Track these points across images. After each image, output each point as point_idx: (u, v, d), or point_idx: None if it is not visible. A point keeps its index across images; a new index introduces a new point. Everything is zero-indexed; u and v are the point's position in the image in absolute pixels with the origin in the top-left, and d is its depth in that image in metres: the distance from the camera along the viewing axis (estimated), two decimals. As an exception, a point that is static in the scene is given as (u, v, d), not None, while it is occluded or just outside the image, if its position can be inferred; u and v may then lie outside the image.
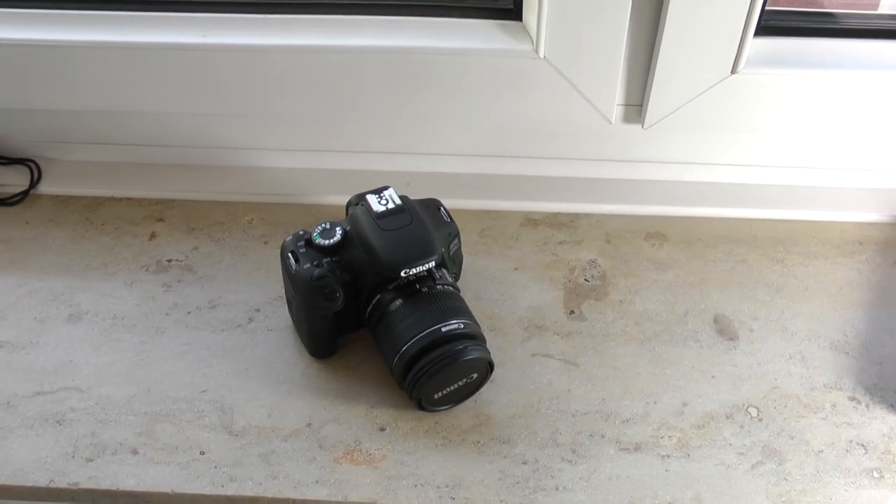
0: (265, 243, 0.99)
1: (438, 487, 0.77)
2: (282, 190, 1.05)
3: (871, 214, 1.03)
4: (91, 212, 1.04)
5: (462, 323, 0.78)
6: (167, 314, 0.92)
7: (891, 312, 0.92)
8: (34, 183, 1.07)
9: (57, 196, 1.06)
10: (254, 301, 0.93)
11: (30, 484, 0.78)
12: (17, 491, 0.78)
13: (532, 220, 1.02)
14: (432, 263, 0.80)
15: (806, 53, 0.94)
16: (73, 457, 0.79)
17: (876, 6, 1.04)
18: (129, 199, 1.06)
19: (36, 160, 1.09)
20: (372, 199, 0.83)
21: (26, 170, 1.08)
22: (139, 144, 1.08)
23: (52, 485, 0.78)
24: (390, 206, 0.82)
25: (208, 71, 0.96)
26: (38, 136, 1.09)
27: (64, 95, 1.00)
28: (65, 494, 0.78)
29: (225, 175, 1.08)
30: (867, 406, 0.84)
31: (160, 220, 1.03)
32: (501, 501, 0.76)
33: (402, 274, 0.79)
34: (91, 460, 0.79)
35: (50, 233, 1.01)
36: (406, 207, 0.82)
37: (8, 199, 1.05)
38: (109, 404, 0.84)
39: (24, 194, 1.06)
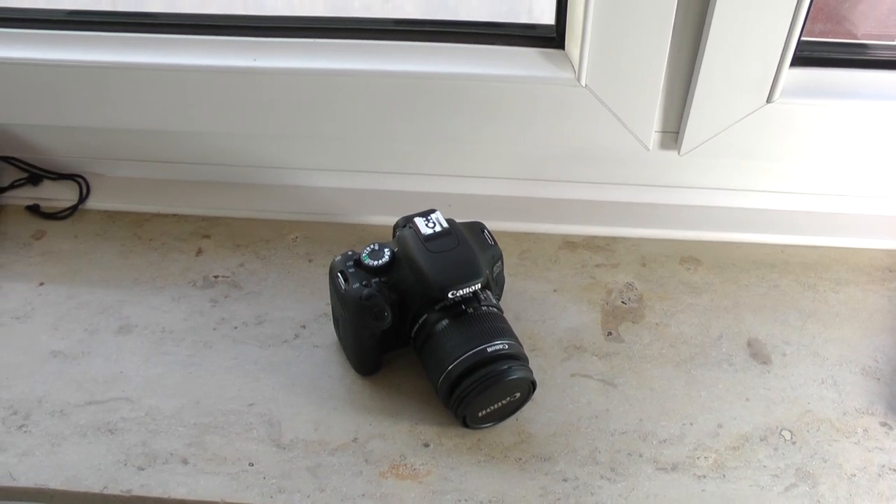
0: (310, 261, 1.02)
1: (481, 503, 0.79)
2: (326, 209, 1.08)
3: (901, 242, 1.05)
4: (138, 227, 1.06)
5: (506, 343, 0.80)
6: (215, 329, 0.94)
7: (921, 340, 0.94)
8: (83, 198, 1.10)
9: (105, 211, 1.09)
10: (300, 318, 0.95)
11: (84, 490, 0.80)
12: (71, 496, 0.80)
13: (570, 243, 1.04)
14: (478, 285, 0.82)
15: (840, 84, 0.96)
16: (126, 465, 0.82)
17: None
18: (175, 215, 1.08)
19: (85, 176, 1.12)
20: (420, 222, 0.85)
21: (75, 185, 1.11)
22: (186, 162, 1.11)
23: (105, 491, 0.80)
24: (437, 228, 0.84)
25: (257, 93, 0.99)
26: (86, 152, 1.11)
27: (112, 115, 1.03)
28: (118, 501, 0.80)
29: (270, 193, 1.10)
30: (898, 431, 0.85)
31: (206, 236, 1.05)
32: (543, 517, 0.78)
33: (450, 295, 0.81)
34: (143, 469, 0.81)
35: (98, 247, 1.04)
36: (453, 230, 0.85)
37: (58, 213, 1.08)
38: (159, 415, 0.86)
39: (74, 209, 1.08)
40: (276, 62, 0.97)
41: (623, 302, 0.97)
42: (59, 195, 1.10)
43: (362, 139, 1.05)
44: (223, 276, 1.00)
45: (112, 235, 1.05)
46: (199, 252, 1.03)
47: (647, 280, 1.00)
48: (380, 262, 0.83)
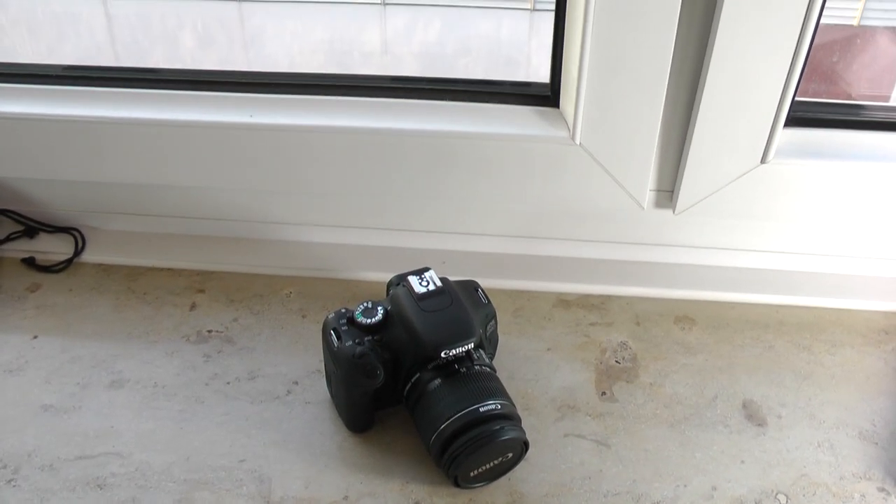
0: (303, 317, 1.01)
1: (472, 564, 0.78)
2: (320, 265, 1.08)
3: (897, 304, 1.05)
4: (132, 281, 1.06)
5: (499, 404, 0.80)
6: (207, 384, 0.94)
7: (917, 402, 0.94)
8: (78, 251, 1.10)
9: (100, 264, 1.09)
10: (292, 374, 0.95)
11: (71, 548, 0.79)
12: (59, 554, 0.80)
13: (564, 301, 1.04)
14: (471, 345, 0.82)
15: (834, 145, 0.96)
16: (114, 522, 0.81)
17: (887, 98, 1.06)
18: (170, 269, 1.08)
19: (80, 229, 1.12)
20: (413, 281, 0.85)
21: (71, 238, 1.11)
22: (181, 216, 1.11)
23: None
24: (431, 287, 0.84)
25: (253, 148, 0.99)
26: (82, 206, 1.12)
27: (108, 169, 1.03)
28: (105, 559, 0.80)
29: (264, 248, 1.10)
30: None
31: (200, 290, 1.05)
32: (534, 580, 0.77)
33: (442, 354, 0.81)
34: (129, 519, 0.81)
35: (93, 300, 1.04)
36: (446, 289, 0.85)
37: (53, 266, 1.08)
38: (150, 470, 0.85)
39: (69, 262, 1.09)
40: (272, 118, 0.97)
41: (617, 361, 0.97)
42: (54, 248, 1.10)
43: (357, 195, 1.05)
44: (216, 331, 1.00)
45: (106, 289, 1.05)
46: (193, 307, 1.03)
47: (642, 339, 1.00)
48: (373, 320, 0.83)
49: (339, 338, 0.83)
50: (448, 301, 0.83)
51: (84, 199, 1.11)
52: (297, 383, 0.94)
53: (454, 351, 0.81)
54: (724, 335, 1.00)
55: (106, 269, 1.08)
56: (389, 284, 0.89)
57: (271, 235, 1.11)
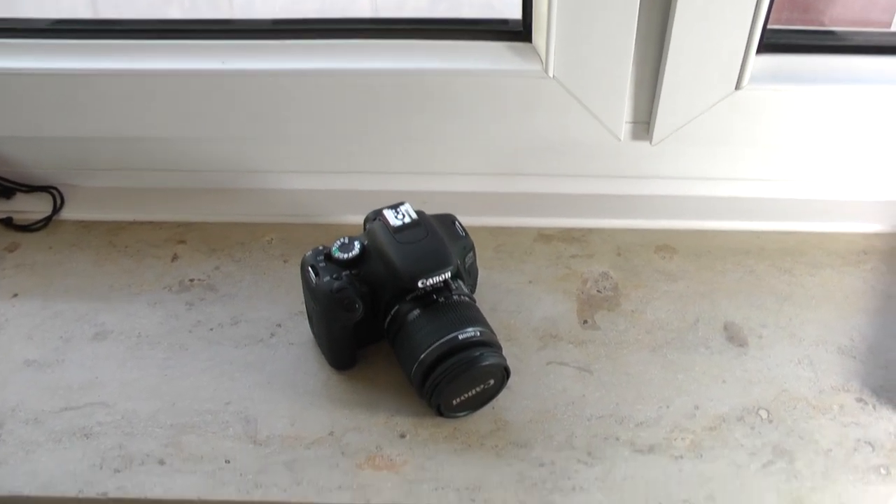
0: (285, 262, 1.02)
1: (458, 490, 0.79)
2: (300, 211, 1.08)
3: (876, 225, 1.05)
4: (113, 236, 1.06)
5: (478, 331, 0.80)
6: (190, 331, 0.94)
7: (895, 318, 0.94)
8: (57, 209, 1.10)
9: (80, 221, 1.09)
10: (275, 317, 0.95)
11: (59, 495, 0.79)
12: (46, 502, 0.80)
13: (545, 236, 1.04)
14: (448, 274, 0.82)
15: (807, 69, 0.96)
16: (101, 468, 0.81)
17: (889, 24, 1.06)
18: (150, 222, 1.08)
19: (58, 187, 1.12)
20: (389, 214, 0.85)
21: (49, 197, 1.11)
22: (159, 170, 1.11)
23: (80, 495, 0.79)
24: (406, 220, 0.84)
25: (227, 96, 0.99)
26: (59, 163, 1.11)
27: (84, 123, 1.03)
28: (94, 504, 0.80)
29: (244, 197, 1.10)
30: (874, 407, 0.85)
31: (181, 241, 1.05)
32: (520, 502, 0.78)
33: (420, 284, 0.81)
34: (119, 471, 0.81)
35: (73, 256, 1.04)
36: (422, 221, 0.85)
37: (31, 225, 1.08)
38: (135, 418, 0.85)
39: (48, 220, 1.08)
40: (243, 64, 0.97)
41: (598, 291, 0.97)
42: (32, 207, 1.10)
43: (334, 139, 1.05)
44: (198, 280, 1.00)
45: (87, 245, 1.05)
46: (175, 257, 1.03)
47: (623, 269, 1.00)
48: (350, 254, 0.83)
49: (316, 274, 0.83)
50: (424, 233, 0.84)
51: (60, 156, 1.10)
52: (280, 326, 0.94)
53: (431, 281, 0.81)
54: (705, 262, 1.01)
55: (86, 226, 1.08)
56: (366, 220, 0.89)
57: (250, 184, 1.11)
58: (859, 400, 0.86)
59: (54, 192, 1.11)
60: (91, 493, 0.79)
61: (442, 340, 0.79)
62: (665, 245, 1.03)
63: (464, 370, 0.78)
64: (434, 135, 1.01)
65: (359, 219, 0.91)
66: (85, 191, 1.12)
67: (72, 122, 1.03)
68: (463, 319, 0.81)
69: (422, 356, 0.79)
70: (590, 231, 1.05)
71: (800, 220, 1.05)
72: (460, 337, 0.79)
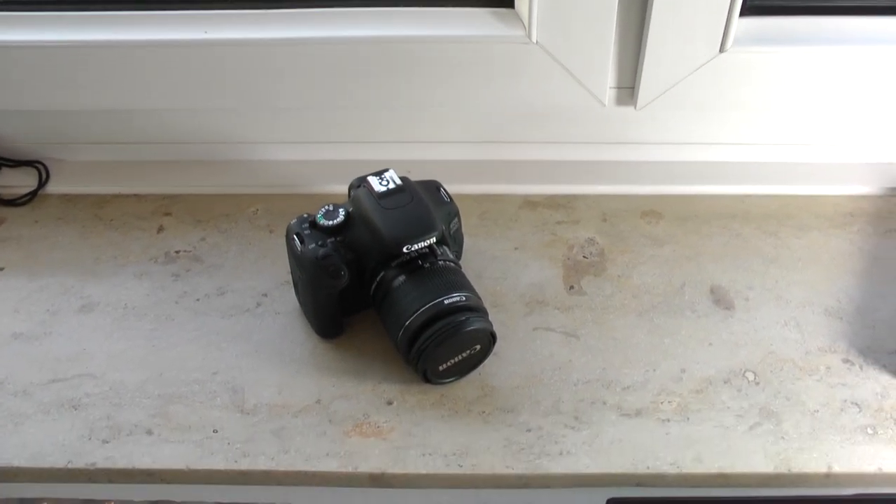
0: (270, 232, 1.01)
1: (446, 456, 0.79)
2: (285, 181, 1.08)
3: (863, 187, 1.05)
4: (99, 209, 1.06)
5: (464, 296, 0.80)
6: (177, 302, 0.94)
7: (882, 279, 0.94)
8: (42, 183, 1.09)
9: (65, 195, 1.09)
10: (261, 287, 0.95)
11: (48, 465, 0.80)
12: (36, 473, 0.80)
13: (530, 203, 1.04)
14: (433, 239, 0.82)
15: (791, 31, 0.96)
16: (90, 439, 0.81)
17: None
18: (136, 195, 1.08)
19: (44, 161, 1.11)
20: (373, 181, 0.85)
21: (34, 171, 1.10)
22: (144, 142, 1.11)
23: (70, 465, 0.79)
24: (391, 186, 0.84)
25: (209, 66, 0.98)
26: (44, 137, 1.11)
27: (68, 96, 1.02)
28: (83, 475, 0.80)
29: (229, 169, 1.10)
30: (860, 367, 0.86)
31: (167, 214, 1.05)
32: (507, 467, 0.78)
33: (405, 250, 0.81)
34: (107, 441, 0.81)
35: (59, 230, 1.03)
36: (406, 187, 0.85)
37: (17, 199, 1.07)
38: (123, 389, 0.85)
39: (33, 194, 1.08)
40: (226, 33, 0.96)
41: (584, 257, 0.97)
42: (17, 182, 1.09)
43: (317, 108, 1.05)
44: (184, 251, 1.00)
45: (72, 218, 1.05)
46: (161, 229, 1.03)
47: (609, 235, 1.00)
48: (335, 221, 0.83)
49: (302, 241, 0.83)
50: (409, 198, 0.83)
51: (45, 130, 1.10)
52: (266, 296, 0.94)
53: (416, 246, 0.81)
54: (691, 226, 1.01)
55: (71, 200, 1.08)
56: (351, 187, 0.89)
57: (235, 155, 1.11)
58: (846, 361, 0.86)
59: (40, 166, 1.10)
60: (80, 463, 0.80)
61: (427, 305, 0.79)
62: (651, 210, 1.03)
63: (450, 335, 0.78)
64: (418, 102, 1.01)
65: (344, 188, 0.91)
66: (70, 164, 1.12)
67: (56, 95, 1.02)
68: (448, 284, 0.81)
69: (407, 322, 0.79)
70: (575, 197, 1.05)
71: (786, 184, 1.05)
72: (446, 302, 0.79)
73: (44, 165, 1.11)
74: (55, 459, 0.80)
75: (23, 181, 1.09)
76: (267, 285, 0.95)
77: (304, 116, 1.07)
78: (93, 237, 1.02)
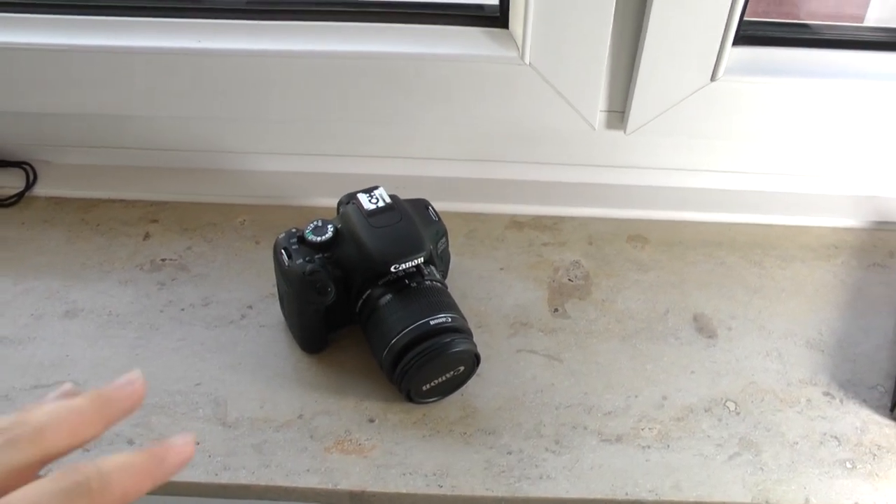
0: (257, 243, 1.01)
1: (426, 476, 0.79)
2: (273, 192, 1.07)
3: (847, 220, 1.06)
4: (86, 213, 1.06)
5: (450, 317, 0.81)
6: (161, 311, 0.94)
7: (865, 313, 0.95)
8: (29, 185, 1.09)
9: (52, 198, 1.08)
10: (246, 298, 0.95)
11: (27, 473, 0.79)
12: (14, 481, 0.80)
13: (517, 223, 1.05)
14: (421, 259, 0.82)
15: (782, 62, 0.97)
16: (70, 447, 0.81)
17: (861, 19, 1.07)
18: (123, 200, 1.08)
19: (31, 163, 1.11)
20: (363, 198, 0.85)
21: (22, 172, 1.10)
22: (133, 148, 1.10)
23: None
24: (380, 204, 0.84)
25: (202, 75, 0.98)
26: (33, 139, 1.11)
27: (59, 99, 1.02)
28: (62, 483, 0.80)
29: (217, 178, 1.10)
30: (841, 401, 0.86)
31: (154, 220, 1.05)
32: (487, 489, 0.78)
33: (392, 269, 0.81)
34: (88, 450, 0.80)
35: (45, 233, 1.03)
36: (396, 206, 0.85)
37: (3, 200, 1.07)
38: (105, 397, 0.85)
39: (20, 196, 1.08)
40: (220, 44, 0.96)
41: (570, 279, 0.98)
42: (4, 183, 1.09)
43: (308, 121, 1.05)
44: (170, 260, 1.00)
45: (59, 222, 1.05)
46: (147, 236, 1.02)
47: (594, 258, 1.00)
48: (323, 237, 0.83)
49: (289, 256, 0.83)
50: (398, 217, 0.84)
51: (34, 131, 1.09)
52: (251, 308, 0.94)
53: (404, 265, 0.81)
54: (676, 253, 1.01)
55: (58, 203, 1.07)
56: (339, 203, 0.89)
57: (224, 164, 1.11)
58: (826, 394, 0.87)
59: (27, 167, 1.10)
60: (59, 472, 0.79)
61: (413, 326, 0.79)
62: (637, 235, 1.03)
63: (434, 356, 0.78)
64: (409, 119, 1.01)
65: (332, 202, 0.91)
66: (58, 167, 1.12)
67: (46, 97, 1.02)
68: (434, 305, 0.81)
69: (392, 341, 0.80)
70: (562, 219, 1.05)
71: (771, 213, 1.06)
72: (431, 322, 0.79)
73: (31, 167, 1.10)
74: (34, 467, 0.79)
75: (9, 182, 1.09)
76: (252, 297, 0.95)
77: (295, 128, 1.07)
78: (79, 241, 1.02)
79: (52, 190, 1.09)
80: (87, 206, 1.07)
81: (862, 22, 1.06)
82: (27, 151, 1.12)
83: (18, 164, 1.11)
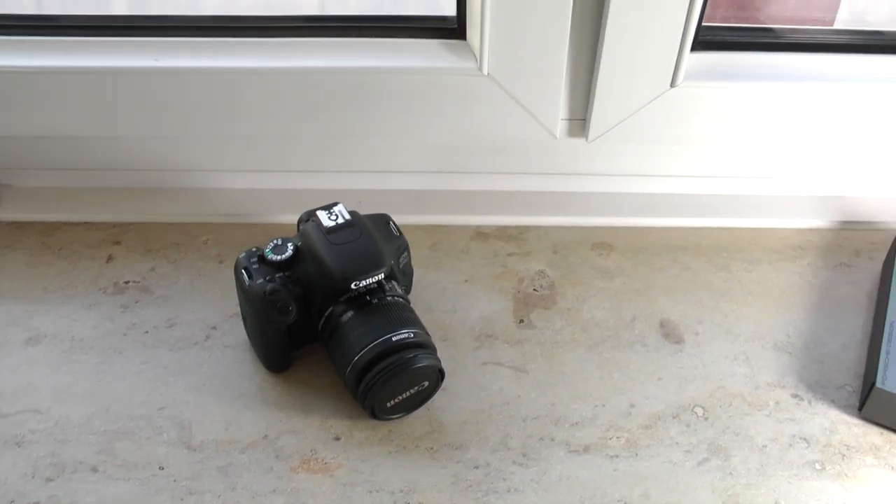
0: (220, 262, 1.01)
1: (393, 493, 0.78)
2: (236, 210, 1.07)
3: (812, 220, 1.06)
4: (47, 237, 1.05)
5: (412, 332, 0.80)
6: (125, 334, 0.93)
7: (832, 313, 0.95)
8: (-10, 210, 1.08)
9: (12, 222, 1.07)
10: (210, 319, 0.94)
11: (-10, 505, 0.79)
12: (-24, 512, 0.79)
13: (482, 234, 1.04)
14: (382, 275, 0.82)
15: (741, 67, 0.97)
16: (33, 477, 0.80)
17: (832, 22, 1.07)
18: (85, 223, 1.07)
19: (-10, 187, 1.10)
20: (322, 215, 0.85)
21: (-19, 197, 1.09)
22: (94, 169, 1.09)
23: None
24: (340, 221, 0.84)
25: (161, 94, 0.97)
26: (-9, 163, 1.10)
27: (17, 121, 1.01)
28: (25, 513, 0.79)
29: (180, 197, 1.09)
30: (809, 402, 0.86)
31: (117, 242, 1.04)
32: (455, 504, 0.78)
33: (353, 286, 0.81)
34: (51, 480, 0.80)
35: (6, 258, 1.02)
36: (355, 222, 0.84)
37: (-37, 227, 1.06)
38: (69, 424, 0.84)
39: (-21, 221, 1.07)
40: (178, 61, 0.96)
41: (535, 289, 0.98)
42: (-37, 208, 1.08)
43: (268, 138, 1.05)
44: (134, 282, 0.99)
45: (20, 246, 1.04)
46: (110, 258, 1.02)
47: (559, 267, 1.00)
48: (283, 256, 0.83)
49: (250, 276, 0.82)
50: (357, 233, 0.83)
51: (-8, 156, 1.09)
52: (215, 328, 0.93)
53: (365, 282, 0.81)
54: (641, 259, 1.01)
55: (19, 227, 1.06)
56: (300, 221, 0.88)
57: (187, 183, 1.10)
58: (795, 395, 0.87)
59: (-14, 192, 1.09)
60: (23, 502, 0.78)
61: (375, 342, 0.79)
62: (602, 242, 1.03)
63: (398, 372, 0.78)
64: (369, 133, 1.01)
65: (294, 218, 0.91)
66: (17, 191, 1.11)
67: (3, 119, 1.01)
68: (397, 321, 0.81)
69: (355, 358, 0.79)
70: (527, 228, 1.05)
71: (735, 217, 1.06)
72: (394, 339, 0.79)
73: (-9, 191, 1.09)
74: (-3, 498, 0.79)
75: (-32, 207, 1.08)
76: (216, 318, 0.94)
77: (256, 145, 1.07)
78: (41, 266, 1.01)
79: (11, 214, 1.08)
80: (49, 229, 1.06)
81: (832, 25, 1.06)
82: (-15, 176, 1.11)
83: (-23, 189, 1.10)
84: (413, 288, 0.96)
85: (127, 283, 0.99)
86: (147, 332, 0.93)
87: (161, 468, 0.81)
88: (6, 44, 0.97)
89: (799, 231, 1.05)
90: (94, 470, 0.81)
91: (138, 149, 1.07)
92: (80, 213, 1.08)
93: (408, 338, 0.80)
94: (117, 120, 1.00)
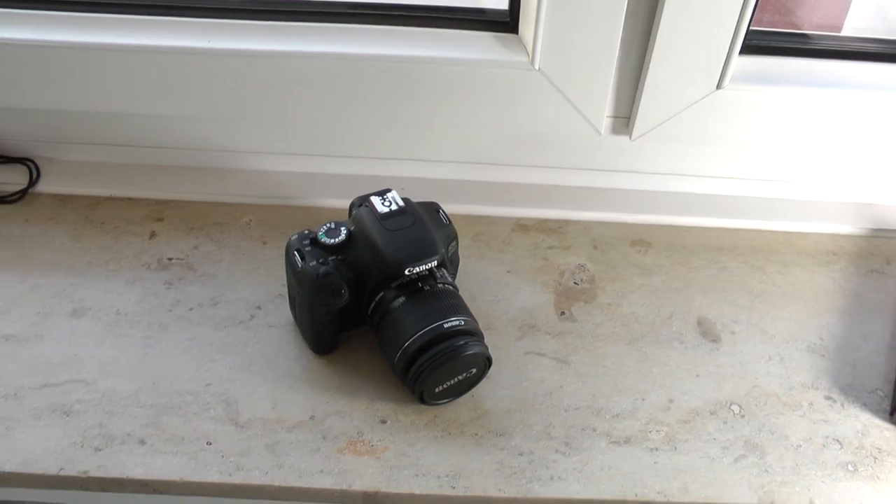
0: (264, 243, 1.02)
1: (439, 477, 0.80)
2: (279, 192, 1.08)
3: (845, 227, 1.07)
4: (90, 211, 1.06)
5: (463, 320, 0.81)
6: (170, 311, 0.94)
7: (863, 318, 0.97)
8: (33, 182, 1.09)
9: (56, 195, 1.08)
10: (254, 299, 0.95)
11: (40, 472, 0.79)
12: (27, 479, 0.80)
13: (523, 226, 1.06)
14: (434, 263, 0.83)
15: (787, 72, 0.98)
16: (83, 446, 0.81)
17: (839, 28, 1.08)
18: (128, 199, 1.08)
19: (35, 159, 1.11)
20: (376, 201, 0.86)
21: (25, 169, 1.10)
22: (138, 146, 1.10)
23: (62, 473, 0.79)
24: (394, 207, 0.85)
25: (210, 75, 0.98)
26: (37, 135, 1.10)
27: (65, 96, 1.02)
28: (75, 482, 0.80)
29: (223, 177, 1.10)
30: (842, 405, 0.88)
31: (159, 219, 1.05)
32: (500, 490, 0.79)
33: (406, 272, 0.82)
34: (100, 450, 0.81)
35: (50, 231, 1.03)
36: (409, 209, 0.85)
37: (7, 197, 1.07)
38: (116, 396, 0.85)
39: (23, 193, 1.08)
40: (230, 44, 0.97)
41: (575, 283, 0.99)
42: (8, 179, 1.09)
43: (317, 122, 1.05)
44: (177, 259, 1.00)
45: (63, 219, 1.05)
46: (153, 235, 1.03)
47: (599, 262, 1.02)
48: (336, 240, 0.84)
49: (302, 258, 0.83)
50: (411, 220, 0.84)
51: (38, 128, 1.09)
52: (259, 308, 0.94)
53: (418, 269, 0.82)
54: (679, 257, 1.03)
55: (63, 200, 1.07)
56: (352, 205, 0.89)
57: (230, 164, 1.11)
58: (828, 398, 0.88)
59: (30, 164, 1.10)
60: (72, 471, 0.80)
61: (427, 328, 0.80)
62: (640, 239, 1.05)
63: (448, 359, 0.79)
64: (416, 121, 1.02)
65: (338, 203, 0.92)
66: (62, 164, 1.12)
67: (51, 94, 1.02)
68: (447, 308, 0.82)
69: (406, 343, 0.80)
70: (566, 223, 1.06)
71: (772, 219, 1.08)
72: (445, 325, 0.80)
73: (34, 163, 1.10)
74: (47, 466, 0.80)
75: (13, 179, 1.09)
76: (260, 297, 0.95)
77: (303, 129, 1.08)
78: (84, 240, 1.02)
79: (56, 187, 1.09)
80: (92, 203, 1.07)
81: (840, 31, 1.07)
82: (30, 148, 1.11)
83: (22, 161, 1.10)
84: (457, 277, 0.97)
85: (170, 259, 1.00)
86: (192, 308, 0.94)
87: (209, 443, 0.82)
88: (58, 19, 0.98)
89: (832, 236, 1.07)
90: (142, 442, 0.82)
91: (184, 127, 1.08)
92: (123, 189, 1.09)
93: (458, 325, 0.81)
94: (165, 99, 1.01)
